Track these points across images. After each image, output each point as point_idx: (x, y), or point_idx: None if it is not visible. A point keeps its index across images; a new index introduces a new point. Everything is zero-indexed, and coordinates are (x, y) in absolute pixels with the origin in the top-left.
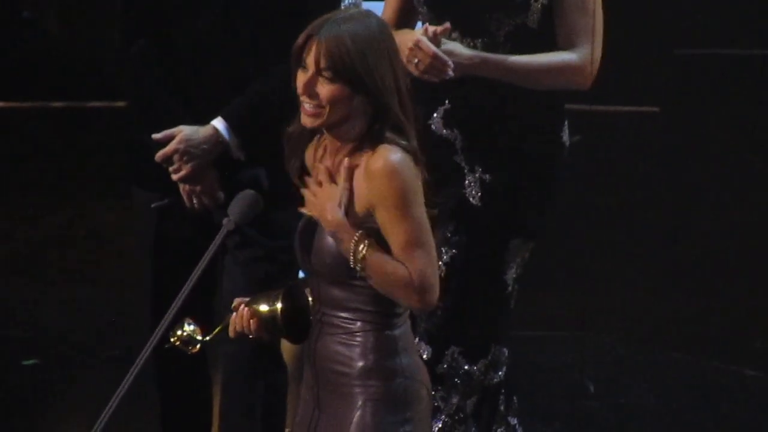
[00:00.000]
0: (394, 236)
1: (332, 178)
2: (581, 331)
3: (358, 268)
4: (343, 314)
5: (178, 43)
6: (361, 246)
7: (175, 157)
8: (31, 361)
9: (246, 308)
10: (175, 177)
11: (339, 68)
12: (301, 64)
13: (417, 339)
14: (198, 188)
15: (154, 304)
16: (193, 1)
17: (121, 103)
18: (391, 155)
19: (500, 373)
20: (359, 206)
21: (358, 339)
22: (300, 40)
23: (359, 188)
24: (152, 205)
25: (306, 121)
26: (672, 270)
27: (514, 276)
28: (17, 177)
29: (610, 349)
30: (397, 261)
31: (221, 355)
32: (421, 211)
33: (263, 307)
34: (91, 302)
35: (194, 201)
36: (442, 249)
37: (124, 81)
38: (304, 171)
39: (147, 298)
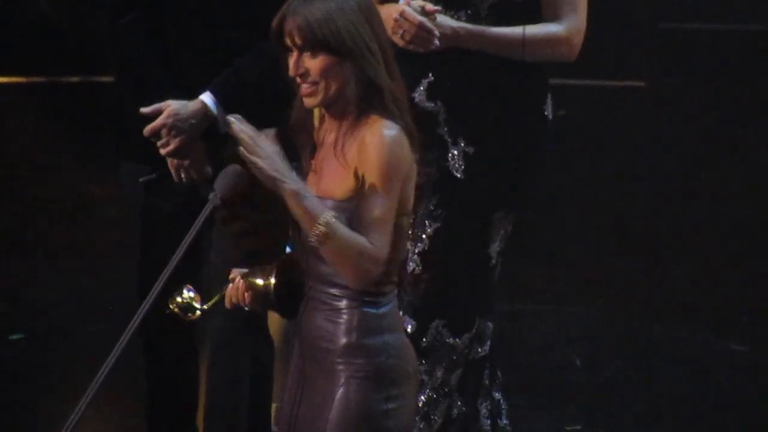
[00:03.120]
0: (366, 209)
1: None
2: (566, 305)
3: (318, 232)
4: (329, 290)
5: (167, 18)
6: (324, 221)
7: (163, 132)
8: (17, 336)
9: (241, 280)
10: (163, 151)
11: (311, 39)
12: (282, 47)
13: (401, 312)
14: (186, 162)
15: (141, 277)
16: None
17: (107, 78)
18: (386, 130)
19: (485, 346)
20: (353, 180)
21: (344, 316)
22: (274, 23)
23: (353, 160)
24: (140, 179)
25: (307, 102)
26: (657, 244)
27: (498, 249)
28: (3, 151)
29: (595, 323)
30: (358, 235)
31: (208, 330)
32: (396, 198)
33: (258, 280)
34: (77, 276)
35: (182, 175)
36: (426, 222)
37: (112, 55)
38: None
39: (135, 271)
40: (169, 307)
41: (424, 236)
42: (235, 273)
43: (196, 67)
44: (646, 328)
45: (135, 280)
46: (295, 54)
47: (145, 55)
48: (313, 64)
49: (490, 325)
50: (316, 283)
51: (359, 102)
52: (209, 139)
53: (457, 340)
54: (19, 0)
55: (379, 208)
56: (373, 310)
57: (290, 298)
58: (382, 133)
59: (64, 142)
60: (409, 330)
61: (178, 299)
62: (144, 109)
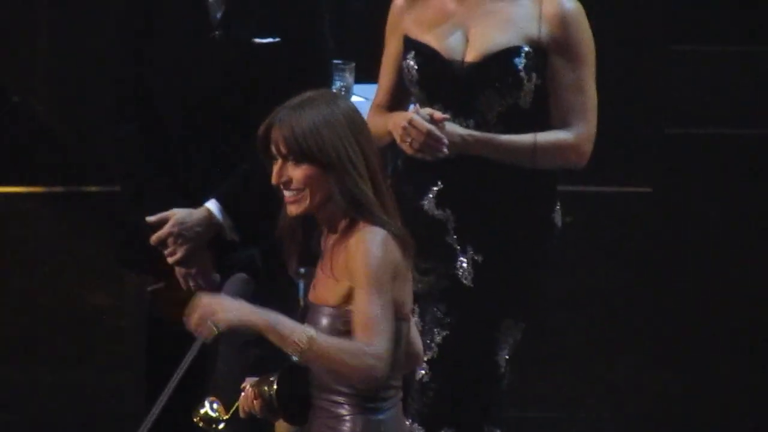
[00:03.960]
0: (359, 311)
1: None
2: (572, 412)
3: (299, 348)
4: (331, 397)
5: (167, 125)
6: (305, 338)
7: (170, 240)
8: None
9: (251, 389)
10: (170, 260)
11: (296, 149)
12: (268, 155)
13: (409, 420)
14: (193, 271)
15: (147, 389)
16: (182, 82)
17: (109, 187)
18: (369, 235)
19: None
20: (343, 288)
21: (347, 424)
22: (261, 131)
23: (342, 270)
24: (148, 288)
25: (290, 210)
26: (662, 348)
27: (506, 357)
28: (8, 261)
29: (600, 428)
30: (349, 340)
31: None
32: (390, 296)
33: (265, 388)
34: (81, 387)
35: (190, 283)
36: (434, 330)
37: (114, 165)
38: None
39: (139, 381)
40: (194, 420)
41: (432, 344)
42: (247, 382)
43: (198, 174)
44: None
45: (140, 391)
46: (279, 162)
47: (146, 164)
48: (297, 173)
49: None
50: (317, 391)
51: (346, 212)
52: (215, 247)
53: None
54: (19, 111)
55: (370, 308)
56: (375, 417)
57: (294, 404)
58: (366, 239)
59: (65, 250)
60: None
61: (202, 411)
62: (150, 218)
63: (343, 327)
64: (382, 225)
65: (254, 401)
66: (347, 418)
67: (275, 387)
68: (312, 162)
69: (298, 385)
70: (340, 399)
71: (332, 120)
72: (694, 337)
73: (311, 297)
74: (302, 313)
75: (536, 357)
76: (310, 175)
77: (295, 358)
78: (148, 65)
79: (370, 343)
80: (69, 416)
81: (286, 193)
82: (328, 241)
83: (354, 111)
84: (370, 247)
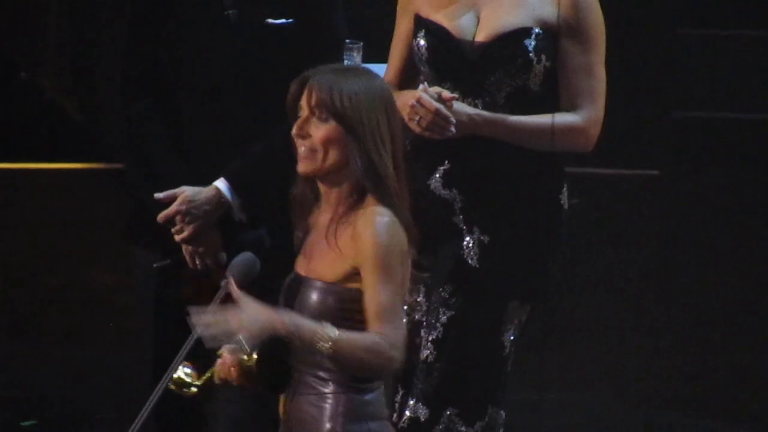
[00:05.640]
0: (371, 299)
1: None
2: (577, 393)
3: (328, 352)
4: (317, 373)
5: (179, 104)
6: (328, 340)
7: (178, 218)
8: (29, 423)
9: (229, 356)
10: (177, 238)
11: (329, 105)
12: (295, 112)
13: (414, 400)
14: (200, 249)
15: (153, 365)
16: (194, 61)
17: (118, 165)
18: (378, 217)
19: None
20: (345, 265)
21: (329, 401)
22: (294, 87)
23: (346, 247)
24: (154, 265)
25: (300, 166)
26: (669, 331)
27: (512, 338)
28: (13, 238)
29: (608, 411)
30: (365, 333)
31: (221, 418)
32: (399, 280)
33: (244, 356)
34: (89, 364)
35: (196, 261)
36: (440, 310)
37: (124, 141)
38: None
39: (146, 359)
40: (167, 384)
41: (438, 324)
42: (224, 349)
43: (209, 153)
44: (656, 414)
45: (146, 368)
46: (305, 114)
47: (156, 142)
48: (320, 130)
49: (503, 413)
50: (303, 366)
51: (358, 184)
52: (223, 226)
53: (470, 428)
54: (26, 87)
55: (383, 296)
56: (359, 396)
57: (274, 373)
58: (375, 221)
59: (72, 227)
60: (421, 419)
61: (175, 376)
62: (158, 195)
63: (334, 304)
64: (391, 205)
65: (231, 368)
66: (330, 396)
67: (255, 356)
68: (339, 122)
69: (280, 354)
70: (326, 376)
71: (371, 91)
72: (702, 319)
73: (302, 270)
74: (289, 285)
75: (542, 339)
76: (332, 135)
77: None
78: (161, 44)
79: (385, 333)
80: (76, 393)
81: (301, 149)
82: (320, 215)
83: (390, 93)
84: (378, 230)
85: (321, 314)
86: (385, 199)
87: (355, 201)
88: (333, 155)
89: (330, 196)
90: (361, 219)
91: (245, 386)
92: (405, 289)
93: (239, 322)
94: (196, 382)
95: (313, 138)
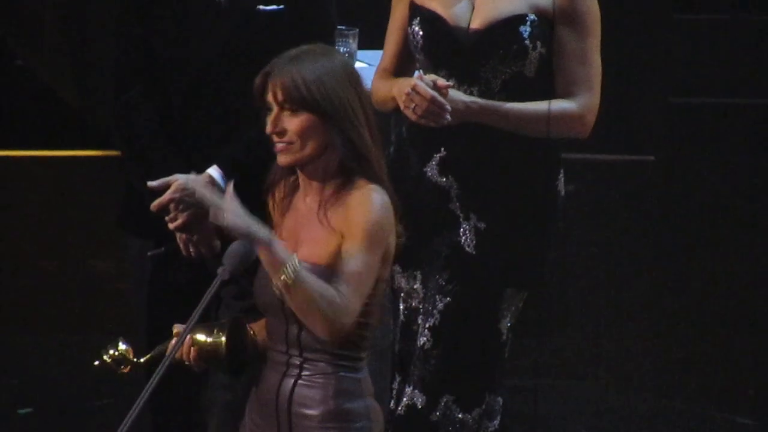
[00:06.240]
0: (346, 262)
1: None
2: (574, 380)
3: (285, 277)
4: (307, 355)
5: (171, 91)
6: (293, 269)
7: (171, 206)
8: (26, 410)
9: (189, 336)
10: (171, 226)
11: (296, 98)
12: (264, 106)
13: (411, 387)
14: (194, 237)
15: (148, 352)
16: (187, 49)
17: (112, 152)
18: (375, 194)
19: (495, 422)
20: (337, 245)
21: (321, 381)
22: (258, 80)
23: (338, 223)
24: (149, 254)
25: (280, 159)
26: (666, 318)
27: (509, 325)
28: (10, 225)
29: (604, 397)
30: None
31: (215, 403)
32: (378, 258)
33: (205, 338)
34: (85, 350)
35: (190, 249)
36: (437, 297)
37: (117, 129)
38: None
39: (141, 346)
40: (102, 359)
41: (434, 311)
42: (178, 328)
43: (202, 140)
44: (654, 401)
45: (143, 354)
46: (275, 111)
47: (149, 129)
48: (292, 123)
49: (500, 400)
50: (293, 349)
51: (342, 166)
52: None
53: (468, 415)
54: (22, 74)
55: (355, 263)
56: (351, 375)
57: (238, 357)
58: (372, 197)
59: (67, 215)
60: (419, 406)
61: (111, 351)
62: (152, 183)
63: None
64: (380, 183)
65: (191, 348)
66: (322, 376)
67: (224, 337)
68: (311, 111)
69: (243, 338)
70: (317, 357)
71: (332, 70)
72: (698, 305)
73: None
74: None
75: (540, 325)
76: (306, 126)
77: (276, 287)
78: (153, 31)
79: (346, 296)
80: (71, 380)
81: (278, 143)
82: (300, 200)
83: (350, 64)
84: (373, 206)
85: None
86: (372, 178)
87: (342, 182)
88: (311, 144)
89: (313, 182)
90: (356, 195)
91: (200, 367)
92: (386, 271)
93: (229, 206)
94: (138, 360)
95: (289, 132)
